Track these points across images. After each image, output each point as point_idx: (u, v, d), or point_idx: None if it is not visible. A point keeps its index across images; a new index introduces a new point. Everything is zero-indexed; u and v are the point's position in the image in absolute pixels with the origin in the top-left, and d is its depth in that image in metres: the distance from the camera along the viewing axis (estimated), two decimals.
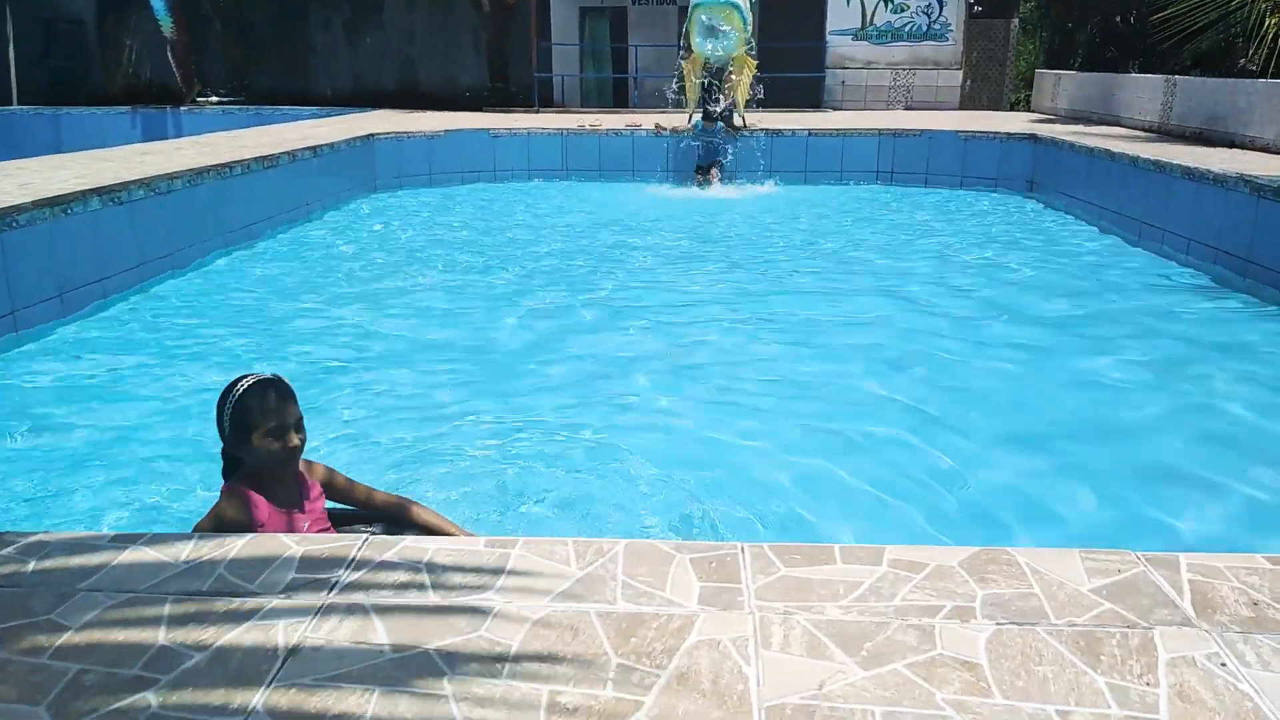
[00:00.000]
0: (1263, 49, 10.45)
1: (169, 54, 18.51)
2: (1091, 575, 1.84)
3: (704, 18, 11.49)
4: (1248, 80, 9.80)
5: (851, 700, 1.47)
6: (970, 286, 7.05)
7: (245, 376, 2.43)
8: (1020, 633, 1.66)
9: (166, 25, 17.92)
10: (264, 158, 8.98)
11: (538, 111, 16.12)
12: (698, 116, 8.61)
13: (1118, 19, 15.23)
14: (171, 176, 7.55)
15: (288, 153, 9.52)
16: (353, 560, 1.89)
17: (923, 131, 11.83)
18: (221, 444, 2.45)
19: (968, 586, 1.81)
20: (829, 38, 16.27)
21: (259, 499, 2.39)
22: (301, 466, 2.52)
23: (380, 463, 3.83)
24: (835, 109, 16.11)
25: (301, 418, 2.45)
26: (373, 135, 11.67)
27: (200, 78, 19.15)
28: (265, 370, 2.50)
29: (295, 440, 2.40)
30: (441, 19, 19.79)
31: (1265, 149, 8.96)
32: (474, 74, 19.47)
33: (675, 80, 12.80)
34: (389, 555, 1.91)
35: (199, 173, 7.90)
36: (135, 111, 17.70)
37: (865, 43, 16.19)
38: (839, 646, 1.61)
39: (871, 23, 16.11)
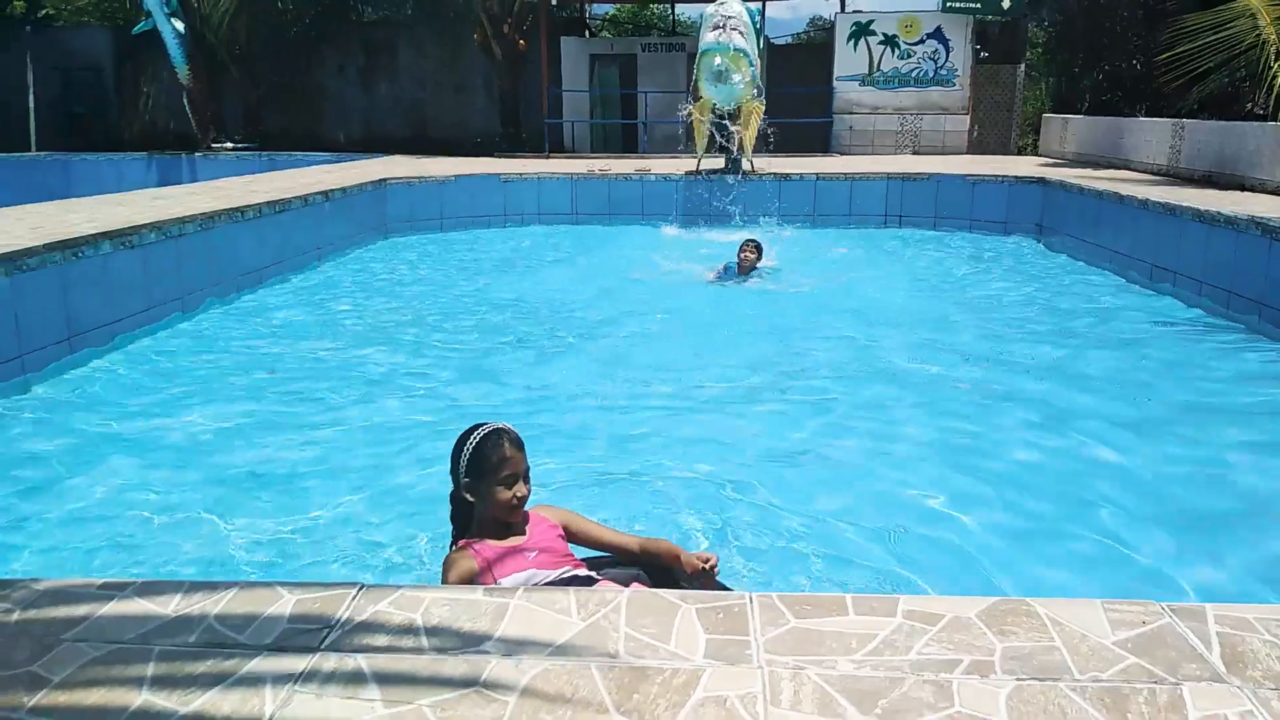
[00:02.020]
0: (1270, 93, 10.45)
1: (185, 101, 18.77)
2: (1115, 627, 1.76)
3: (712, 63, 11.59)
4: (1256, 124, 9.80)
5: None
6: (981, 329, 6.99)
7: (480, 425, 2.57)
8: (1043, 688, 1.58)
9: (183, 72, 18.18)
10: (275, 202, 9.04)
11: (548, 157, 16.25)
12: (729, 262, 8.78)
13: (1124, 64, 15.32)
14: (183, 220, 7.61)
15: (300, 197, 9.58)
16: (345, 612, 1.83)
17: (931, 175, 11.85)
18: (453, 488, 2.60)
19: (986, 639, 1.73)
20: (836, 83, 16.41)
21: (481, 546, 2.50)
22: (543, 511, 2.65)
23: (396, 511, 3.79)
24: (843, 154, 16.19)
25: (529, 468, 2.57)
26: (385, 180, 11.76)
27: (216, 124, 19.41)
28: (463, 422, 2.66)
29: (524, 490, 2.53)
30: (453, 66, 20.08)
31: (1276, 192, 8.93)
32: (485, 120, 19.70)
33: (683, 126, 12.90)
34: (383, 605, 1.84)
35: (211, 217, 7.95)
36: (151, 158, 17.94)
37: (872, 88, 16.31)
38: (852, 704, 1.54)
39: (878, 69, 16.24)
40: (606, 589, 2.15)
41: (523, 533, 2.55)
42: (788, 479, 4.08)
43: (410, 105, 20.75)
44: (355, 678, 1.61)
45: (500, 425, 2.58)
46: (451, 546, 2.63)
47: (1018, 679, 1.60)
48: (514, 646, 1.69)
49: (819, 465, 4.30)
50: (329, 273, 9.39)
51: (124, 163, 17.69)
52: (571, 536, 2.65)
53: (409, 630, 1.74)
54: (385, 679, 1.60)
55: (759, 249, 8.55)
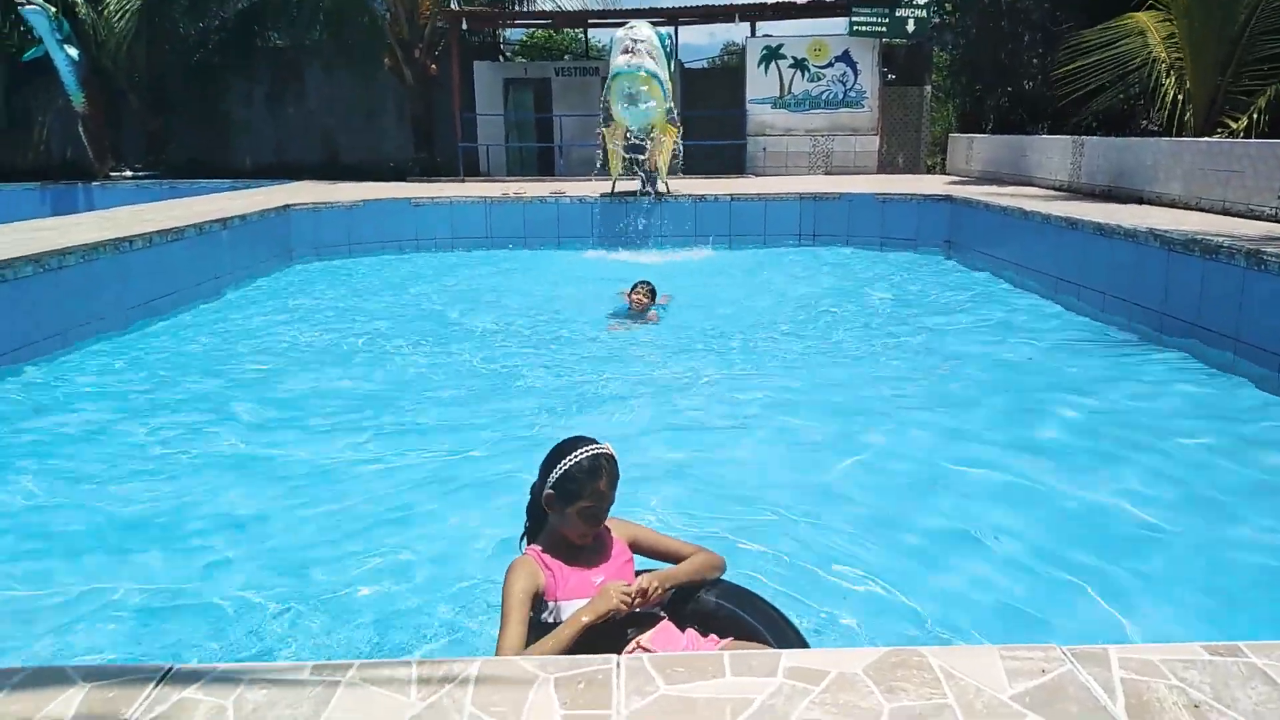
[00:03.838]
0: (1163, 109, 10.78)
1: (81, 129, 18.00)
2: (1013, 678, 1.61)
3: (624, 87, 11.50)
4: (1152, 139, 10.08)
5: None
6: (883, 347, 6.96)
7: (587, 445, 2.44)
8: None
9: (78, 100, 17.44)
10: (168, 230, 8.62)
11: (463, 181, 15.98)
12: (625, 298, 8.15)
13: (1026, 83, 15.73)
14: (64, 252, 7.18)
15: (195, 225, 9.16)
16: (144, 702, 1.57)
17: (842, 194, 11.93)
18: (536, 488, 2.49)
19: (873, 699, 1.56)
20: (749, 106, 16.50)
21: (551, 561, 2.41)
22: (612, 524, 2.55)
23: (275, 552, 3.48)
24: (758, 175, 16.27)
25: (614, 500, 2.46)
26: (288, 206, 11.36)
27: (114, 153, 18.65)
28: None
29: (601, 525, 2.47)
30: (364, 91, 19.67)
31: (1172, 204, 9.16)
32: (399, 145, 19.33)
33: (599, 149, 12.79)
34: (190, 692, 1.59)
35: (94, 247, 7.52)
36: (45, 188, 17.16)
37: (784, 110, 16.44)
38: None
39: (790, 91, 16.39)
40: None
41: (594, 555, 2.47)
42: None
43: (321, 131, 20.27)
44: None
45: (605, 451, 2.45)
46: (521, 541, 2.59)
47: None
48: None
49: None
50: (227, 303, 8.98)
51: (16, 193, 16.88)
52: (638, 549, 2.59)
53: (217, 716, 1.50)
54: None
55: (652, 292, 7.98)
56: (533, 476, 2.48)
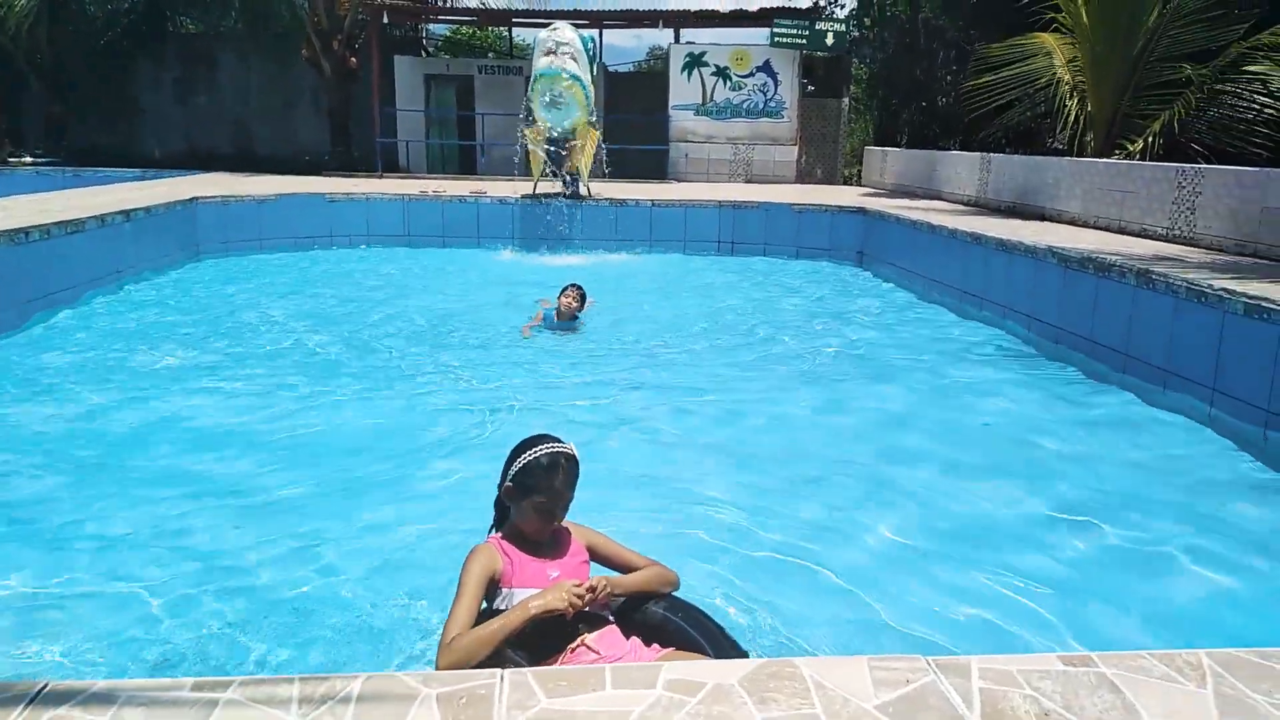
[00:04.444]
0: (1065, 129, 11.24)
1: None
2: (879, 688, 1.69)
3: (546, 88, 11.51)
4: (1055, 158, 10.50)
5: None
6: (785, 353, 7.12)
7: (546, 442, 2.54)
8: None
9: None
10: (68, 222, 8.30)
11: (381, 177, 15.75)
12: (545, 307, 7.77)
13: (940, 99, 16.24)
14: None
15: (96, 217, 8.84)
16: (19, 716, 1.54)
17: (760, 204, 12.13)
18: (499, 481, 2.60)
19: (745, 709, 1.62)
20: (672, 112, 16.66)
21: (511, 549, 2.51)
22: (571, 528, 2.64)
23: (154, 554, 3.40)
24: (680, 180, 16.42)
25: (571, 499, 2.56)
26: (195, 199, 11.04)
27: (12, 137, 17.86)
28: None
29: (558, 519, 2.56)
30: (279, 81, 19.25)
31: (1072, 222, 9.56)
32: (315, 138, 18.96)
33: (519, 148, 12.75)
34: (65, 710, 1.56)
35: None
36: None
37: (706, 118, 16.64)
38: None
39: (712, 99, 16.59)
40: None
41: (552, 550, 2.57)
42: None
43: (233, 121, 19.76)
44: None
45: (566, 450, 2.55)
46: (490, 531, 2.68)
47: None
48: None
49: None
50: (128, 297, 8.69)
51: None
52: (595, 555, 2.66)
53: None
54: None
55: (582, 296, 7.70)
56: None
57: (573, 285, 7.80)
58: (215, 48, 19.42)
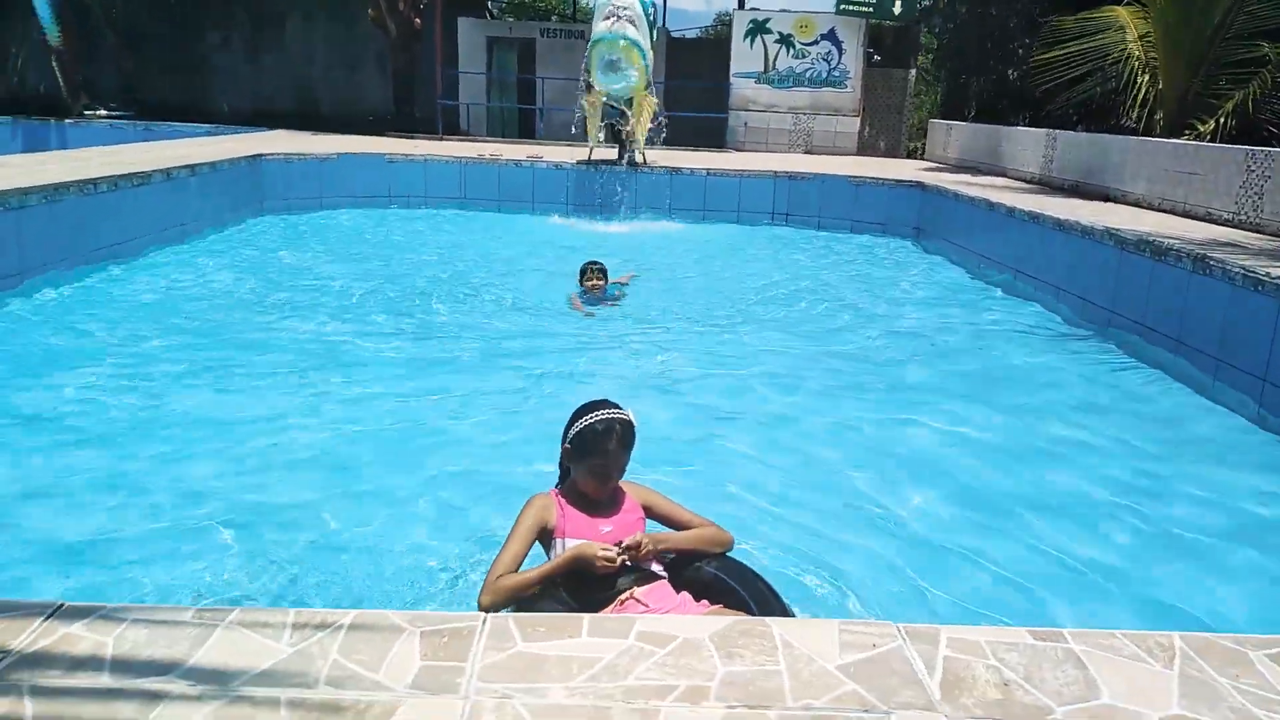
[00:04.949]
0: (1134, 107, 10.90)
1: (55, 63, 17.73)
2: (844, 650, 1.74)
3: (604, 54, 11.49)
4: (1121, 136, 10.19)
5: None
6: (837, 327, 7.09)
7: (602, 408, 2.67)
8: (749, 716, 1.54)
9: (53, 33, 17.17)
10: (133, 175, 8.59)
11: (441, 139, 15.89)
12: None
13: (1009, 71, 15.80)
14: (25, 191, 7.15)
15: (162, 171, 9.12)
16: (29, 636, 1.67)
17: (816, 175, 12.00)
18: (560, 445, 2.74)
19: (711, 662, 1.69)
20: (733, 79, 16.49)
21: (566, 507, 2.65)
22: (628, 487, 2.77)
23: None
24: (738, 150, 16.29)
25: (627, 463, 2.69)
26: (260, 155, 11.30)
27: (88, 89, 18.39)
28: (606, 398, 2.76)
29: (612, 483, 2.68)
30: (345, 41, 19.48)
31: (1136, 203, 9.30)
32: (378, 98, 19.18)
33: (577, 114, 12.77)
34: (76, 628, 1.69)
35: (58, 188, 7.51)
36: (17, 123, 16.89)
37: (768, 86, 16.44)
38: None
39: (774, 67, 16.38)
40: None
41: (608, 508, 2.69)
42: None
43: (300, 80, 20.06)
44: (13, 706, 1.46)
45: (622, 417, 2.66)
46: (557, 485, 2.82)
47: (729, 706, 1.56)
48: (205, 677, 1.57)
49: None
50: (191, 251, 8.97)
51: None
52: (651, 513, 2.77)
53: (91, 661, 1.60)
54: (45, 707, 1.46)
55: (604, 272, 7.72)
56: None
57: (590, 266, 7.77)
58: (284, 7, 19.71)
